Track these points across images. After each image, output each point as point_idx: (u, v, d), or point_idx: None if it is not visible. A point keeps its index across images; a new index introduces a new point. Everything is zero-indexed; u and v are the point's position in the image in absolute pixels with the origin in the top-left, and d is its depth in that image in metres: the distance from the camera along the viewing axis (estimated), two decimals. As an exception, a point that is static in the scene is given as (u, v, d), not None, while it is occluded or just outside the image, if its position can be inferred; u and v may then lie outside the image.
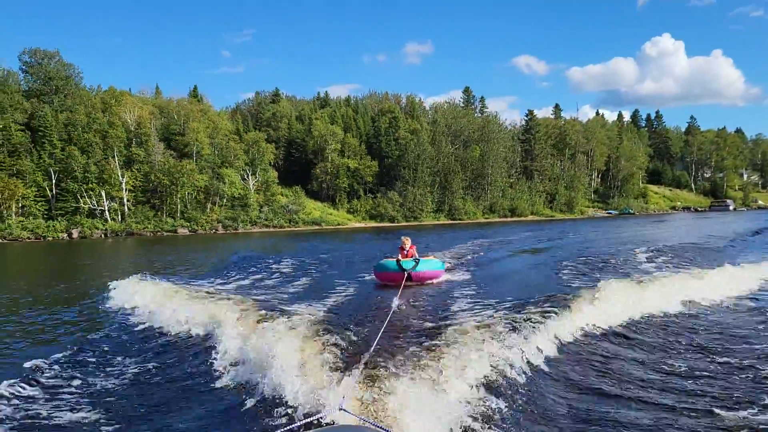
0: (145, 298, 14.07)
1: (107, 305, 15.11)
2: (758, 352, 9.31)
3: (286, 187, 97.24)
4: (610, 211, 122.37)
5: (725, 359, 8.90)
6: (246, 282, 18.92)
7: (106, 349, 10.47)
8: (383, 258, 17.10)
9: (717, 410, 6.68)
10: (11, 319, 14.84)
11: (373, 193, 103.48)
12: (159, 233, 78.36)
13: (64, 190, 76.33)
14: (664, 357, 9.22)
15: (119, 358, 9.74)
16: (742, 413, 6.60)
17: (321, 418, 5.32)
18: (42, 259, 42.98)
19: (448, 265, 19.27)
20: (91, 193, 76.73)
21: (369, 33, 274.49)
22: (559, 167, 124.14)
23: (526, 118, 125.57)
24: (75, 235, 73.75)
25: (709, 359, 8.98)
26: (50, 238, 71.85)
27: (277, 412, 6.29)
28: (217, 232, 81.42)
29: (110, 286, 16.92)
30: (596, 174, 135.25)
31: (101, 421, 6.92)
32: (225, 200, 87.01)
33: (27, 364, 9.22)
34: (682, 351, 9.54)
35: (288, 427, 5.29)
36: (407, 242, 16.40)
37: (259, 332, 8.75)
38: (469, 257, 25.27)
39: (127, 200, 79.91)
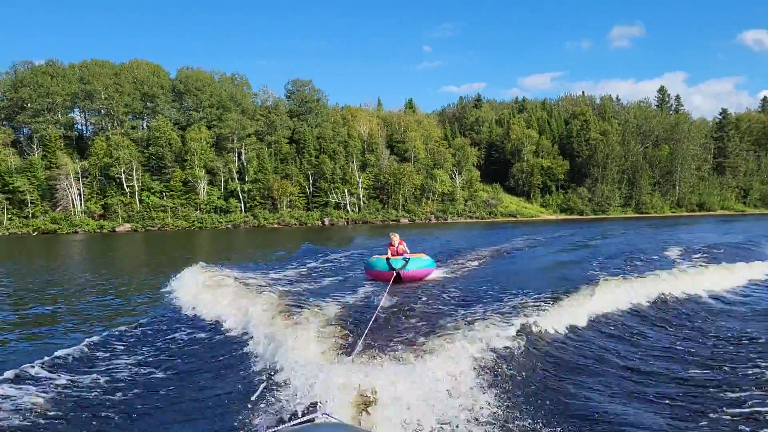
0: (196, 288, 14.31)
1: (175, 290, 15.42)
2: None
3: (486, 184, 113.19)
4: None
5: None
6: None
7: (144, 331, 11.10)
8: (373, 256, 16.49)
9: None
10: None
11: (564, 188, 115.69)
12: (386, 221, 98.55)
13: (318, 188, 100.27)
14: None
15: (147, 344, 10.16)
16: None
17: (304, 422, 5.19)
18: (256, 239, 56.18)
19: (439, 263, 18.37)
20: (336, 190, 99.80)
21: (572, 19, 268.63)
22: (755, 162, 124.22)
23: (719, 116, 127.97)
24: (326, 222, 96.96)
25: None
26: (309, 225, 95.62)
27: (264, 411, 6.35)
28: (430, 222, 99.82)
29: (180, 273, 16.81)
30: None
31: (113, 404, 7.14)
32: (436, 195, 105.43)
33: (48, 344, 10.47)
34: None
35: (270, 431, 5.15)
36: (395, 239, 15.98)
37: (276, 329, 9.03)
38: (488, 257, 23.04)
39: (363, 196, 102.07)
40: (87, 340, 10.01)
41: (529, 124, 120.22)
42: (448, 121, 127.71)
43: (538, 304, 10.83)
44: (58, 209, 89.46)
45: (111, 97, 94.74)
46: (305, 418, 5.34)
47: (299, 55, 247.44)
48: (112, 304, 15.46)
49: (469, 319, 9.46)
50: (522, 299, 11.43)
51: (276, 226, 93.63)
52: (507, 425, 6.03)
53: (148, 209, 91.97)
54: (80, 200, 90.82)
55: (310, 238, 52.68)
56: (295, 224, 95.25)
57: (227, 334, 10.34)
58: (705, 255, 22.63)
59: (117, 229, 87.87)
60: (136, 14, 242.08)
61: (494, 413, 6.20)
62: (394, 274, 14.72)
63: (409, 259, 15.21)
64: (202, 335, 10.60)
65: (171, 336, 10.65)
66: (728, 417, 6.51)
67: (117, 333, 10.80)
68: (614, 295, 12.49)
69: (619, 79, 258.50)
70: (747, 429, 6.21)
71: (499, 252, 25.42)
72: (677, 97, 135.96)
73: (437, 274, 16.65)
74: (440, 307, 11.21)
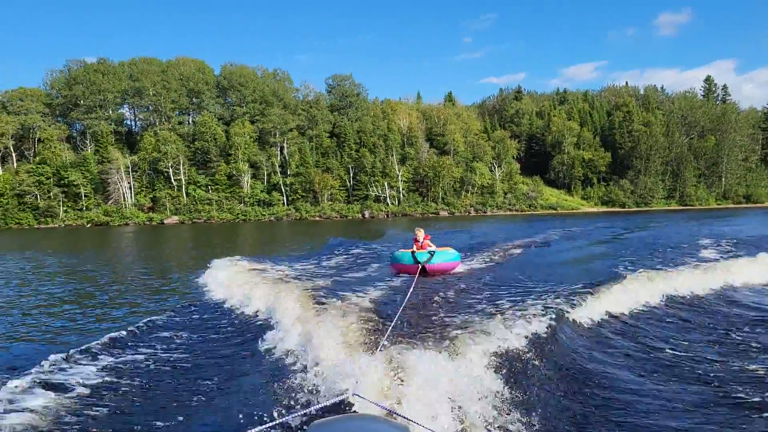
0: (231, 279, 14.77)
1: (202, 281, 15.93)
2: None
3: (526, 176, 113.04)
4: None
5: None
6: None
7: (177, 319, 11.41)
8: (399, 250, 16.60)
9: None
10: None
11: (606, 181, 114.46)
12: (425, 214, 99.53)
13: (358, 181, 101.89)
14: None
15: (180, 331, 10.32)
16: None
17: (336, 402, 5.58)
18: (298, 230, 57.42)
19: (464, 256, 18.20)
20: (376, 183, 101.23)
21: (616, 6, 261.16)
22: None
23: (766, 106, 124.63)
24: (366, 215, 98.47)
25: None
26: (350, 217, 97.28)
27: (296, 395, 6.49)
28: (470, 214, 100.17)
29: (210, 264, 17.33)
30: None
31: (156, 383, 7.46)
32: (476, 188, 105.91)
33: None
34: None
35: (302, 412, 5.53)
36: (420, 234, 16.01)
37: (303, 320, 9.18)
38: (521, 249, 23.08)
39: (402, 189, 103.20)
40: (130, 326, 10.48)
41: (570, 116, 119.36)
42: (487, 114, 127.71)
43: (565, 296, 10.83)
44: (110, 202, 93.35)
45: (159, 93, 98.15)
46: (337, 399, 5.60)
47: (339, 50, 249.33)
48: (154, 292, 16.37)
49: (495, 311, 9.46)
50: (549, 292, 11.37)
51: (317, 218, 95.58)
52: (534, 418, 5.94)
53: (194, 202, 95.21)
54: (131, 193, 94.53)
55: (350, 230, 54.06)
56: (336, 217, 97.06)
57: (256, 324, 10.51)
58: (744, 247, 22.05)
59: (165, 221, 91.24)
60: (181, 12, 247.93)
61: (519, 405, 6.13)
62: (420, 268, 14.68)
63: (434, 252, 15.13)
64: (232, 324, 10.89)
65: (202, 325, 10.99)
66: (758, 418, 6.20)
67: (152, 320, 11.13)
68: (644, 289, 12.45)
69: (665, 67, 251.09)
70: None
71: (528, 244, 25.31)
72: (724, 87, 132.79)
73: (464, 267, 16.61)
74: (467, 300, 11.14)
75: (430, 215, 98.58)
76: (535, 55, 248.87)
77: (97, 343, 9.04)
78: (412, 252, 15.20)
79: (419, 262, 14.77)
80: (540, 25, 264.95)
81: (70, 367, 7.83)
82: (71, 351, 8.45)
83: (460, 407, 5.78)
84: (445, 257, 15.40)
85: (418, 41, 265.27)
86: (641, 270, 14.36)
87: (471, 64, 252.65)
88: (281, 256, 23.48)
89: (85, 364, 8.06)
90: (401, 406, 5.56)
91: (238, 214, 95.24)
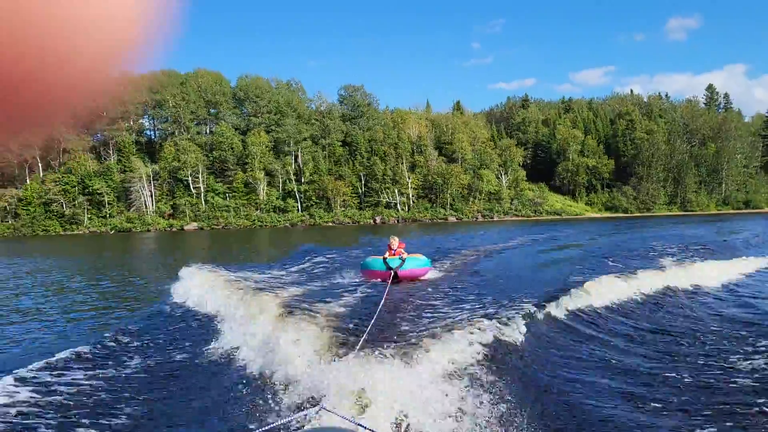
0: (198, 288, 14.47)
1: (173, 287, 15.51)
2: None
3: (532, 183, 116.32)
4: None
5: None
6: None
7: (148, 328, 11.38)
8: (370, 256, 16.58)
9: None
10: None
11: (609, 187, 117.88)
12: (434, 220, 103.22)
13: (369, 188, 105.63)
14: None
15: (150, 340, 10.38)
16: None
17: (304, 417, 5.52)
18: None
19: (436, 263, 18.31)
20: (387, 190, 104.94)
21: (625, 11, 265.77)
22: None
23: (766, 114, 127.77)
24: (378, 221, 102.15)
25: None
26: (362, 223, 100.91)
27: (262, 407, 6.47)
28: (477, 220, 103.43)
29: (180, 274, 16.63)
30: None
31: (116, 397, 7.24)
32: (483, 194, 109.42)
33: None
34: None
35: (268, 427, 5.40)
36: (395, 242, 15.88)
37: (275, 328, 8.98)
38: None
39: (412, 195, 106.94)
40: (97, 335, 10.80)
41: (574, 124, 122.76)
42: (495, 122, 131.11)
43: (534, 300, 10.96)
44: (132, 209, 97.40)
45: (178, 105, 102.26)
46: (304, 413, 5.57)
47: (350, 55, 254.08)
48: (117, 302, 16.96)
49: (464, 317, 9.41)
50: (518, 296, 11.46)
51: (331, 224, 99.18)
52: (504, 423, 6.01)
53: (212, 209, 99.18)
54: (152, 201, 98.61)
55: (358, 235, 55.68)
56: (349, 222, 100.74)
57: (226, 332, 10.32)
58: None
59: (185, 228, 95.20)
60: (196, 23, 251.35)
61: (490, 412, 6.12)
62: (392, 274, 14.62)
63: (405, 258, 15.18)
64: (197, 335, 10.74)
65: (163, 335, 10.94)
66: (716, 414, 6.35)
67: (123, 326, 11.32)
68: (611, 291, 12.96)
69: (675, 72, 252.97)
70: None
71: (499, 249, 25.76)
72: (725, 95, 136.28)
73: (436, 273, 16.85)
74: (437, 306, 11.13)
75: (439, 221, 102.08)
76: (544, 60, 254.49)
77: (56, 358, 8.76)
78: (384, 258, 15.23)
79: (391, 268, 14.84)
80: (549, 30, 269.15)
81: (30, 380, 7.68)
82: (28, 367, 8.19)
83: (427, 419, 5.81)
84: (416, 263, 15.55)
85: (427, 48, 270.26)
86: (608, 274, 14.79)
87: (480, 69, 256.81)
88: (259, 263, 24.03)
89: (44, 379, 7.85)
90: (371, 419, 5.53)
91: (254, 220, 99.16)
